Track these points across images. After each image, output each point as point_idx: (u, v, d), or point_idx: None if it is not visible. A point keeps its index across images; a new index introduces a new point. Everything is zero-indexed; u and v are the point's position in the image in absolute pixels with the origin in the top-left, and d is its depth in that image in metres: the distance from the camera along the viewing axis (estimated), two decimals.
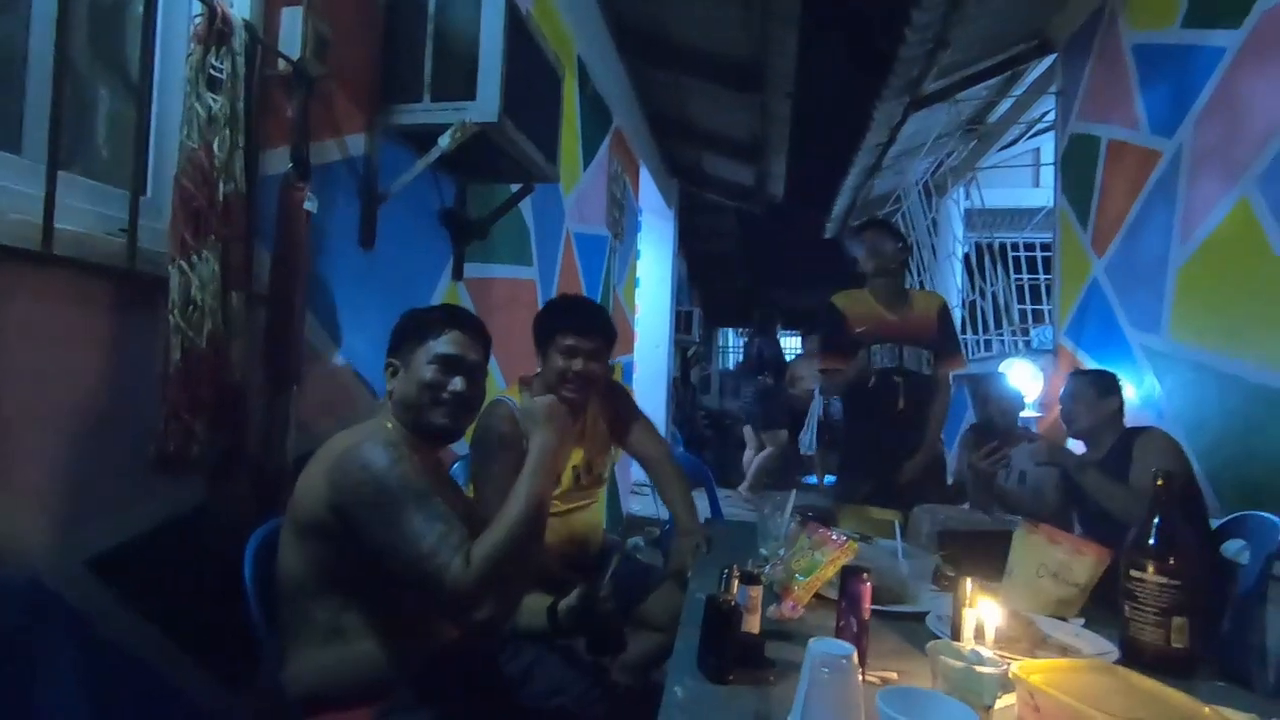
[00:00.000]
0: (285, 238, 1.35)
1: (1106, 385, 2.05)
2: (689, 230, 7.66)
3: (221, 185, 1.21)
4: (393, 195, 1.84)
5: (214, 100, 1.20)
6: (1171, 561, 1.06)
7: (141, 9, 1.20)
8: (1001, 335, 4.25)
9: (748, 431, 6.12)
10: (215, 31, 1.20)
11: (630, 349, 5.61)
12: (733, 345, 14.17)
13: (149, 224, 1.25)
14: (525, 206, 2.77)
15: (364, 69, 1.78)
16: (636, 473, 4.88)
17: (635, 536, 4.09)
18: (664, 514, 2.95)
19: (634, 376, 5.84)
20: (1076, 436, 2.11)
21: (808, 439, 5.74)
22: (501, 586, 1.02)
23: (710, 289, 10.95)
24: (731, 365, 12.57)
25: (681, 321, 7.63)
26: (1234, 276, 2.19)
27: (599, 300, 3.97)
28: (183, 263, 1.15)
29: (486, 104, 1.74)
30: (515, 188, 2.35)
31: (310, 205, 1.41)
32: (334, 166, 1.70)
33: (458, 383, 1.18)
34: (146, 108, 1.23)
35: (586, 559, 1.84)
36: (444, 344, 1.19)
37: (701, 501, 3.27)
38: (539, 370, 1.77)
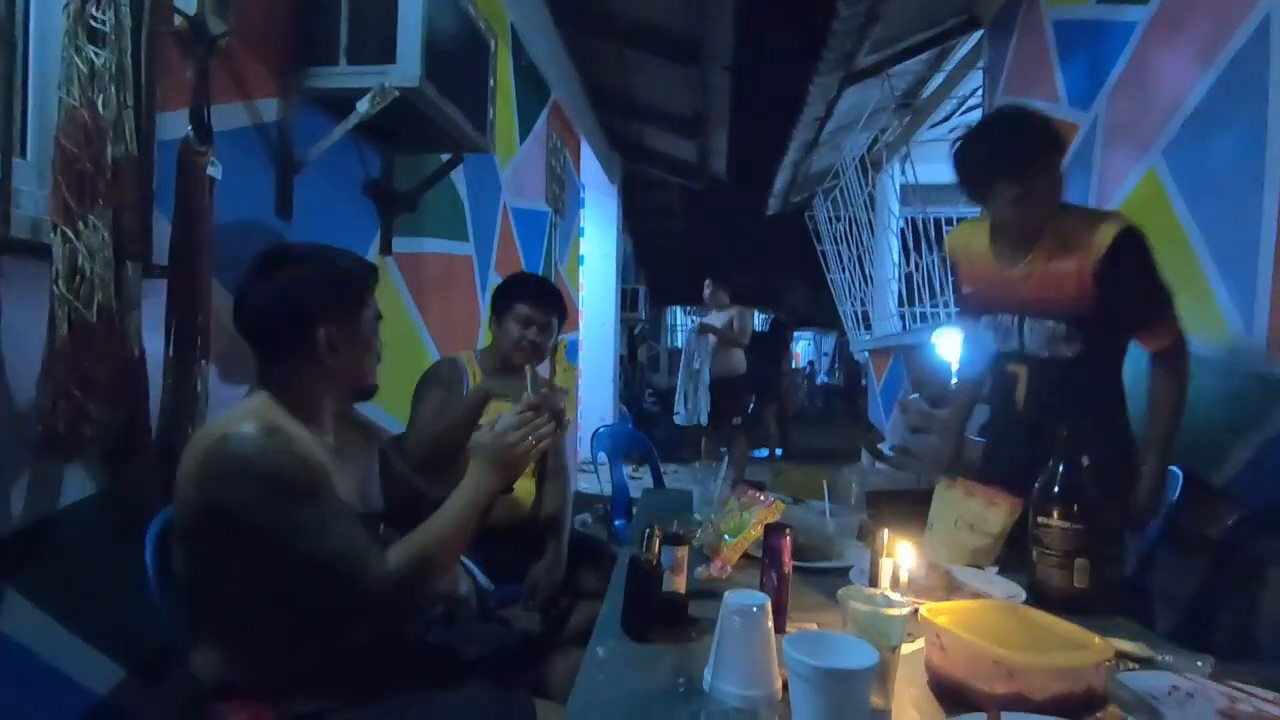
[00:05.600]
0: (185, 205, 1.27)
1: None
2: (634, 208, 7.63)
3: (110, 147, 1.13)
4: (311, 164, 1.76)
5: (96, 54, 1.11)
6: (1075, 508, 1.12)
7: None
8: (936, 307, 4.38)
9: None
10: None
11: (576, 327, 5.56)
12: (680, 323, 14.21)
13: (30, 189, 1.16)
14: (458, 179, 2.69)
15: (274, 28, 1.68)
16: (584, 451, 4.87)
17: (583, 514, 4.11)
18: (608, 491, 2.96)
19: (580, 354, 5.79)
20: (930, 402, 2.19)
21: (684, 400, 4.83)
22: (422, 592, 1.01)
23: (657, 267, 10.96)
24: (679, 344, 12.63)
25: (628, 299, 7.61)
26: None
27: None
28: (66, 230, 1.07)
29: (407, 67, 1.67)
30: (445, 158, 2.28)
31: (214, 171, 1.33)
32: (245, 132, 1.61)
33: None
34: (15, 60, 1.12)
35: (522, 526, 1.85)
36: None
37: (647, 478, 3.30)
38: (489, 344, 1.91)
